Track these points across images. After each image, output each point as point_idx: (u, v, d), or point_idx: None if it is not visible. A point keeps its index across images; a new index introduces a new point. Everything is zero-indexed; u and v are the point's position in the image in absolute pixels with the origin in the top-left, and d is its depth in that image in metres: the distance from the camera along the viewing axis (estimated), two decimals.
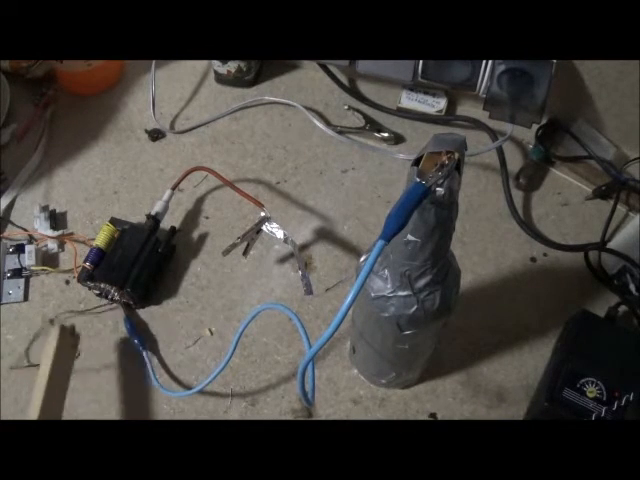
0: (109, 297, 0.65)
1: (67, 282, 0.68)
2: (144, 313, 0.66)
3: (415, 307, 0.44)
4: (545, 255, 0.69)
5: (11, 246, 0.69)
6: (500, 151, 0.73)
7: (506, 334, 0.63)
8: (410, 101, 0.79)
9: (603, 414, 0.51)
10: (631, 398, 0.52)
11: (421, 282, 0.43)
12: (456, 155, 0.37)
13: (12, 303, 0.66)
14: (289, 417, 0.59)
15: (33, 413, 0.52)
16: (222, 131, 0.80)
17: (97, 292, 0.66)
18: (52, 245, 0.69)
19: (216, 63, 0.82)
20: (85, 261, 0.63)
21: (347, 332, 0.61)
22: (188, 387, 0.61)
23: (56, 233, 0.69)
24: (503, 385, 0.61)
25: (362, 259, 0.48)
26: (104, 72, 0.83)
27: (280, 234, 0.64)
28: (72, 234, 0.71)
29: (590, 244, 0.68)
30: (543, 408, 0.53)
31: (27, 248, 0.68)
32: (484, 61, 0.70)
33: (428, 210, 0.38)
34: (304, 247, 0.70)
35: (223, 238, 0.70)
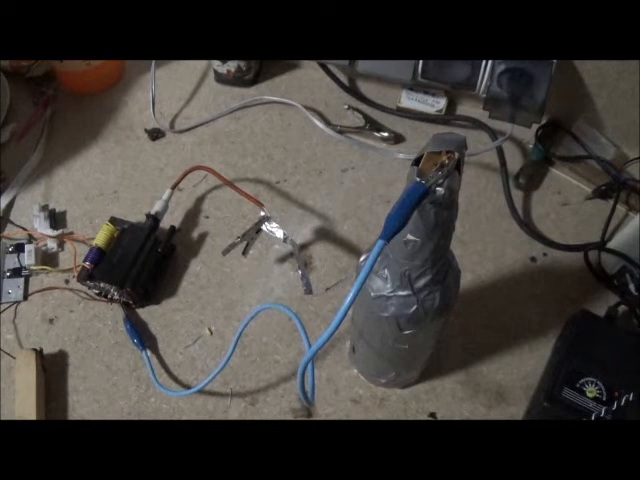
0: (109, 296, 0.65)
1: (67, 281, 0.68)
2: (144, 313, 0.66)
3: (415, 307, 0.45)
4: (545, 255, 0.69)
5: (11, 245, 0.69)
6: (500, 151, 0.73)
7: (506, 334, 0.63)
8: (410, 101, 0.79)
9: (603, 414, 0.51)
10: (631, 398, 0.52)
11: (421, 282, 0.44)
12: (456, 155, 0.37)
13: (12, 302, 0.66)
14: (289, 417, 0.59)
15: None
16: (222, 130, 0.80)
17: (97, 291, 0.66)
18: (52, 244, 0.69)
19: (216, 63, 0.82)
20: (85, 260, 0.63)
21: (347, 332, 0.61)
22: (188, 387, 0.61)
23: (56, 232, 0.69)
24: (503, 385, 0.61)
25: (362, 259, 0.48)
26: (104, 71, 0.83)
27: (280, 234, 0.64)
28: (72, 233, 0.71)
29: (590, 244, 0.68)
30: (543, 408, 0.53)
31: (27, 247, 0.68)
32: (484, 61, 0.70)
33: (428, 210, 0.38)
34: (304, 247, 0.70)
35: (223, 237, 0.70)
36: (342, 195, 0.74)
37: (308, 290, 0.64)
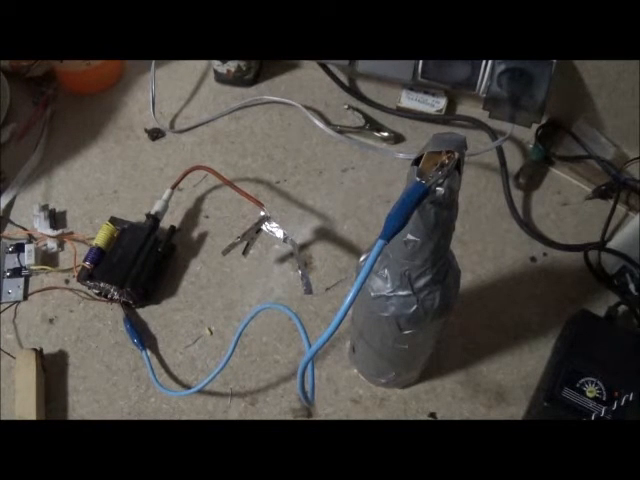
0: (109, 296, 0.65)
1: (67, 281, 0.68)
2: (144, 312, 0.66)
3: (415, 307, 0.45)
4: (545, 255, 0.69)
5: (11, 245, 0.69)
6: (500, 151, 0.73)
7: (506, 334, 0.63)
8: (410, 100, 0.79)
9: (603, 414, 0.51)
10: (631, 398, 0.52)
11: (421, 282, 0.43)
12: (456, 155, 0.37)
13: (12, 302, 0.66)
14: (289, 417, 0.59)
15: None
16: (222, 130, 0.80)
17: (97, 291, 0.66)
18: (52, 244, 0.69)
19: (216, 62, 0.82)
20: (85, 260, 0.63)
21: (347, 331, 0.61)
22: (188, 387, 0.61)
23: (56, 232, 0.69)
24: (503, 385, 0.61)
25: (362, 259, 0.48)
26: (104, 71, 0.83)
27: (280, 233, 0.64)
28: (72, 233, 0.71)
29: (590, 244, 0.68)
30: (543, 408, 0.53)
31: (27, 247, 0.68)
32: (484, 61, 0.70)
33: (428, 210, 0.38)
34: (304, 246, 0.70)
35: (223, 237, 0.70)
36: (342, 195, 0.74)
37: (308, 290, 0.64)
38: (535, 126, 0.73)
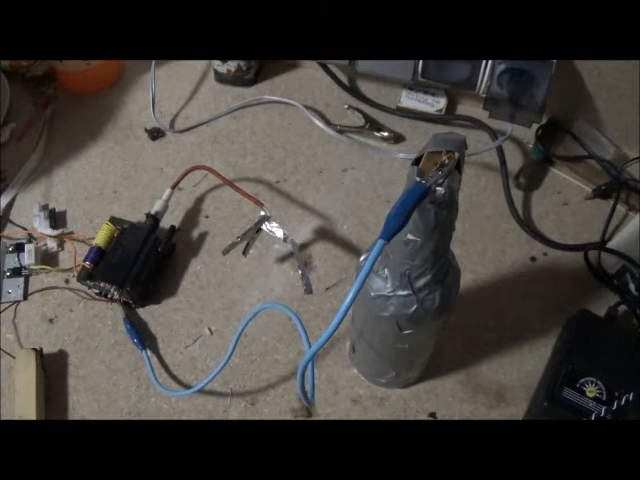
0: (109, 296, 0.65)
1: (67, 281, 0.68)
2: (144, 312, 0.66)
3: (415, 306, 0.44)
4: (545, 255, 0.69)
5: (11, 245, 0.69)
6: (500, 150, 0.73)
7: (506, 334, 0.63)
8: (410, 100, 0.79)
9: (603, 414, 0.51)
10: (631, 398, 0.52)
11: (421, 281, 0.43)
12: (456, 154, 0.37)
13: (12, 302, 0.66)
14: (289, 416, 0.59)
15: None
16: (222, 130, 0.80)
17: (97, 291, 0.66)
18: (52, 244, 0.69)
19: (216, 62, 0.82)
20: (85, 260, 0.63)
21: (347, 331, 0.61)
22: (188, 386, 0.61)
23: (56, 232, 0.69)
24: (503, 385, 0.61)
25: (362, 258, 0.48)
26: (104, 71, 0.83)
27: (280, 233, 0.64)
28: (72, 233, 0.71)
29: (590, 244, 0.68)
30: (543, 408, 0.53)
31: (27, 247, 0.68)
32: (484, 61, 0.70)
33: (428, 210, 0.38)
34: (304, 246, 0.70)
35: (223, 237, 0.70)
36: (342, 195, 0.74)
37: (308, 290, 0.64)
38: (535, 126, 0.73)
